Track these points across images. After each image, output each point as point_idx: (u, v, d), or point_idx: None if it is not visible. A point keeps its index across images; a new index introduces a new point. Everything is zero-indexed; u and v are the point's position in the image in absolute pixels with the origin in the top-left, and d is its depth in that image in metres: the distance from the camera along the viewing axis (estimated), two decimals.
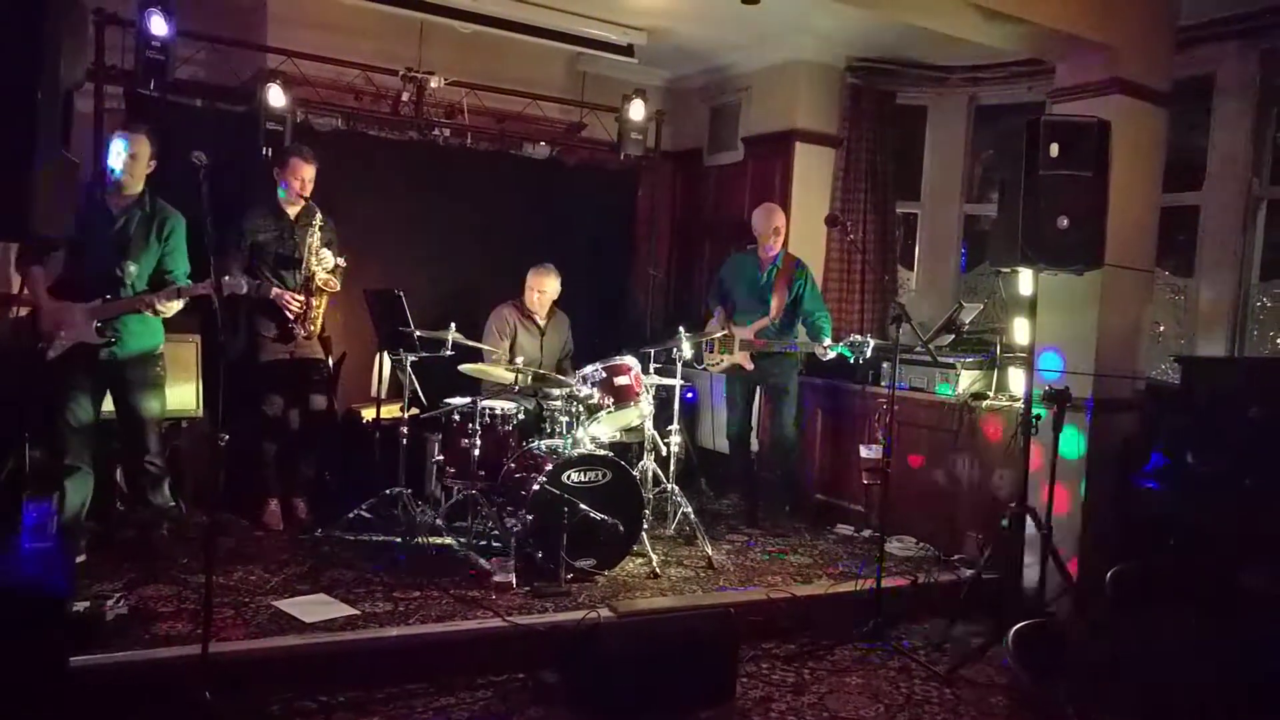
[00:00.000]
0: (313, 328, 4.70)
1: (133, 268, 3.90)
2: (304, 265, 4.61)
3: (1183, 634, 3.42)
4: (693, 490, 5.60)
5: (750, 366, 5.25)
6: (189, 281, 3.98)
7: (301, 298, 4.62)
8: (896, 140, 6.54)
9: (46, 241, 3.67)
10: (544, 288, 5.24)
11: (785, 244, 5.35)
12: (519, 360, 4.70)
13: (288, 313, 4.61)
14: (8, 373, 4.10)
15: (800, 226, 5.77)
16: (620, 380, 4.47)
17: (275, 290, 4.58)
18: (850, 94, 6.38)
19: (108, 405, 4.03)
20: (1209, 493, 3.93)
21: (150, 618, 3.40)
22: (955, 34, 4.68)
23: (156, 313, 3.90)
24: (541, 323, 5.32)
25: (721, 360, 5.36)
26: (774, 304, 5.22)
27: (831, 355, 4.89)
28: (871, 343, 4.76)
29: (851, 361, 4.89)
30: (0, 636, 2.63)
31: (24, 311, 4.45)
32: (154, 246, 3.96)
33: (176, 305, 3.89)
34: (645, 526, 4.44)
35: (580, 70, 6.68)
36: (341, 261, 4.72)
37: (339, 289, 4.74)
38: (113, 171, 3.88)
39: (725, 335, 5.28)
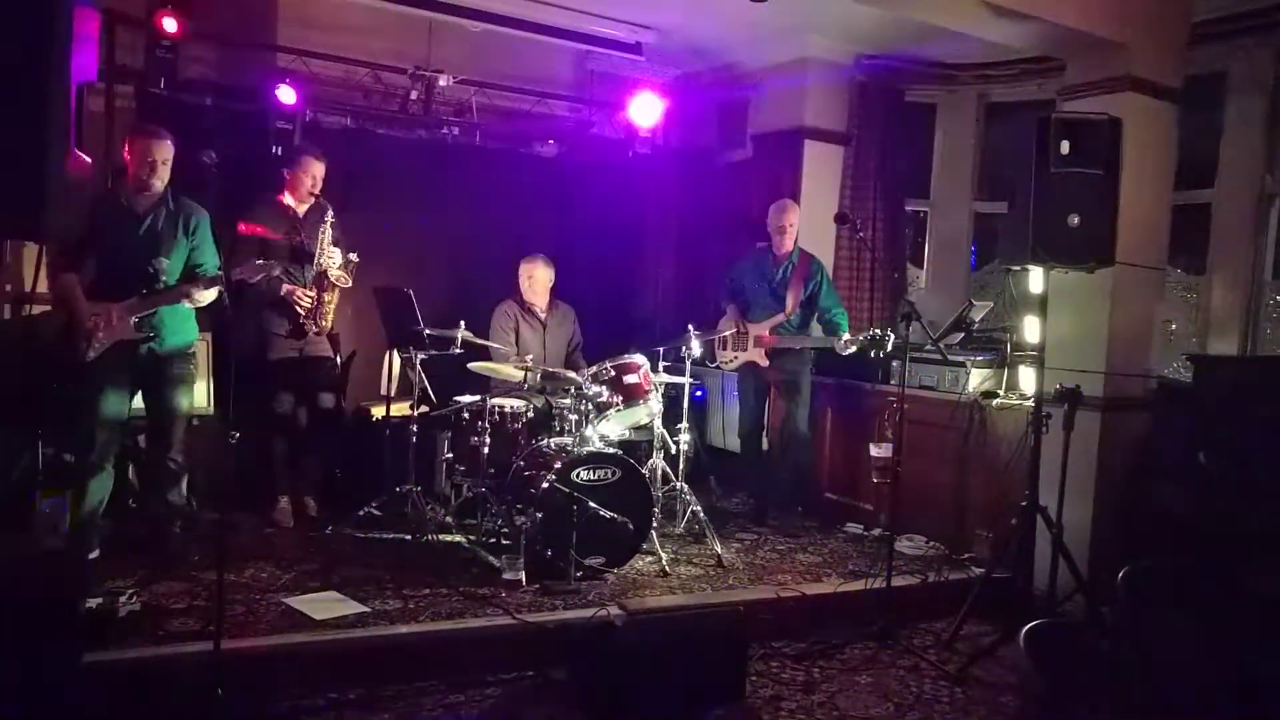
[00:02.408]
0: (325, 323, 4.73)
1: (165, 263, 3.93)
2: (315, 261, 4.63)
3: (1194, 634, 3.40)
4: (702, 488, 5.59)
5: (765, 363, 5.24)
6: (220, 273, 4.02)
7: (313, 293, 4.65)
8: (906, 138, 6.52)
9: (62, 241, 3.71)
10: (533, 273, 5.25)
11: (797, 241, 5.34)
12: (528, 359, 4.70)
13: (299, 308, 4.63)
14: (21, 370, 4.12)
15: (809, 224, 5.75)
16: (629, 378, 4.47)
17: (286, 287, 4.60)
18: (859, 91, 6.36)
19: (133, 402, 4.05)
20: (1221, 492, 3.91)
21: (162, 614, 3.41)
22: (966, 31, 4.65)
23: (194, 301, 3.93)
24: (542, 316, 5.32)
25: (736, 358, 5.35)
26: (789, 300, 5.21)
27: (851, 350, 4.85)
28: (891, 336, 4.69)
29: (872, 356, 4.87)
30: (14, 633, 2.65)
31: (37, 310, 4.49)
32: (183, 242, 4.00)
33: (211, 294, 3.90)
34: (655, 525, 4.44)
35: (589, 68, 6.67)
36: (354, 256, 4.74)
37: (351, 284, 4.76)
38: (139, 176, 3.88)
39: (739, 332, 5.27)
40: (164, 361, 3.98)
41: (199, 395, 4.65)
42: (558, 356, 5.35)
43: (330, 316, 4.75)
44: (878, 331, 4.75)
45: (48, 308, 4.44)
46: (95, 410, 3.84)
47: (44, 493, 3.65)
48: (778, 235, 5.27)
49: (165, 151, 3.90)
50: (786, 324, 5.22)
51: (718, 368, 5.62)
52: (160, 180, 3.92)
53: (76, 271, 3.87)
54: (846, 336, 4.87)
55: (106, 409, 3.86)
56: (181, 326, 4.03)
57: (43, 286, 3.98)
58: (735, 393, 5.57)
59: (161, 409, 4.03)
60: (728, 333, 5.29)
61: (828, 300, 5.26)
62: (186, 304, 3.94)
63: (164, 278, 3.93)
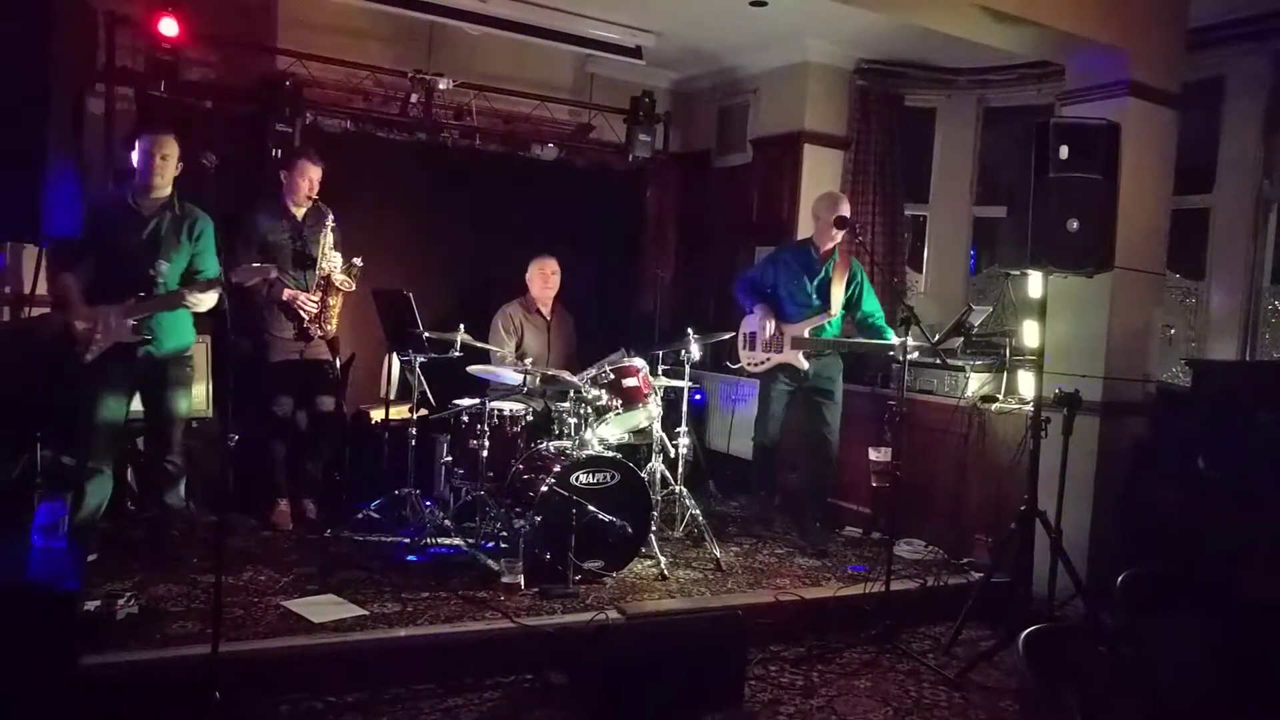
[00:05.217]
0: (329, 327, 4.74)
1: (165, 266, 3.93)
2: (317, 265, 4.63)
3: (1193, 639, 3.40)
4: (701, 492, 5.59)
5: (805, 365, 4.92)
6: (218, 276, 4.01)
7: (317, 297, 4.65)
8: (905, 142, 6.52)
9: (59, 241, 3.71)
10: (553, 268, 5.24)
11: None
12: (527, 361, 4.70)
13: (304, 314, 4.64)
14: (20, 373, 4.12)
15: (810, 228, 5.75)
16: (628, 382, 4.46)
17: (289, 292, 4.60)
18: (859, 96, 6.37)
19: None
20: (1219, 497, 3.91)
21: (160, 617, 3.41)
22: (965, 36, 4.66)
23: (190, 306, 3.92)
24: (548, 318, 5.32)
25: (767, 360, 5.01)
26: (834, 299, 4.91)
27: (913, 355, 4.32)
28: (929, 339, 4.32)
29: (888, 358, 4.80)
30: (11, 635, 2.64)
31: (35, 311, 4.49)
32: (185, 247, 4.00)
33: (210, 299, 3.88)
34: (653, 528, 4.44)
35: (589, 72, 6.68)
36: (358, 261, 4.74)
37: (354, 288, 4.76)
38: (143, 174, 3.90)
39: (774, 334, 4.96)
40: (161, 364, 3.97)
41: (198, 397, 4.65)
42: (561, 358, 5.35)
43: (334, 321, 4.76)
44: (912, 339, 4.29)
45: (46, 309, 4.44)
46: (93, 414, 3.83)
47: (43, 495, 3.64)
48: (828, 230, 4.89)
49: (168, 147, 3.90)
50: (828, 325, 4.96)
51: (739, 370, 5.36)
52: (163, 177, 3.92)
53: (72, 271, 3.87)
54: (896, 340, 4.52)
55: (104, 412, 3.86)
56: (178, 329, 4.02)
57: (42, 288, 3.97)
58: (748, 398, 5.42)
59: (159, 412, 4.03)
60: (725, 336, 5.11)
61: (870, 304, 5.01)
62: (183, 307, 3.93)
63: (162, 281, 3.92)
